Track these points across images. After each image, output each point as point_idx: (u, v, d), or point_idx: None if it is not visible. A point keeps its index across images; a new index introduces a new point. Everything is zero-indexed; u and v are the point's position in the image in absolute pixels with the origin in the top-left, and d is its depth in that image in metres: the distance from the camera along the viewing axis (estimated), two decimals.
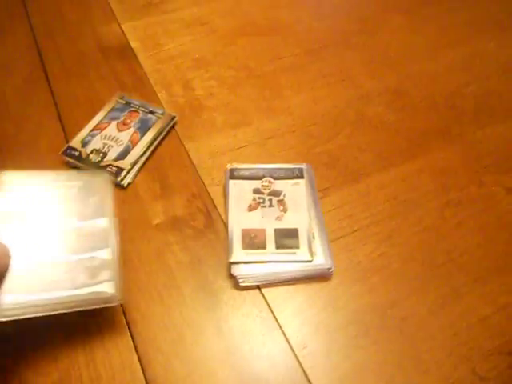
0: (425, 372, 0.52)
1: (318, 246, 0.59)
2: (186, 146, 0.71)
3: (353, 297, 0.57)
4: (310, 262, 0.57)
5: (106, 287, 0.48)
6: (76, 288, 0.47)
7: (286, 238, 0.58)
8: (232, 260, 0.57)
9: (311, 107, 0.78)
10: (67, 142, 0.69)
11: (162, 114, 0.73)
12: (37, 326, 0.54)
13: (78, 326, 0.54)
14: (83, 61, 0.83)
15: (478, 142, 0.75)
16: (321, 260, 0.57)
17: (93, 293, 0.47)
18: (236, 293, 0.57)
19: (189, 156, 0.70)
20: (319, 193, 0.66)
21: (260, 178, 0.64)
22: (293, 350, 0.53)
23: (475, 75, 0.85)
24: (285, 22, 0.93)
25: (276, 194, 0.63)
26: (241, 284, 0.56)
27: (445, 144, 0.74)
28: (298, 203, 0.62)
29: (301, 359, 0.53)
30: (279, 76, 0.82)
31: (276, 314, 0.56)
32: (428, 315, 0.56)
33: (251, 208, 0.61)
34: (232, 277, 0.57)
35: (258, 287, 0.58)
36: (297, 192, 0.63)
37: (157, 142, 0.70)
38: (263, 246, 0.58)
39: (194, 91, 0.79)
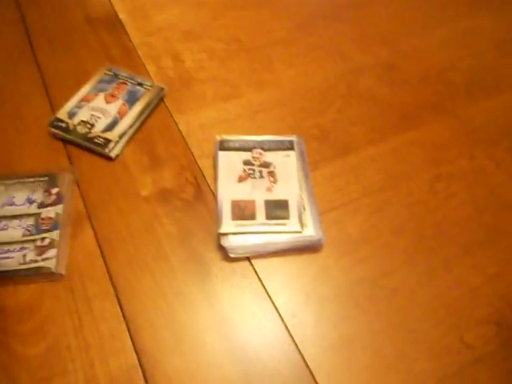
0: (413, 341, 0.52)
1: (309, 217, 0.58)
2: (176, 119, 0.70)
3: (343, 268, 0.57)
4: (300, 232, 0.57)
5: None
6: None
7: (276, 209, 0.58)
8: (221, 231, 0.56)
9: (302, 81, 0.77)
10: (54, 113, 0.68)
11: (150, 85, 0.71)
12: (22, 295, 0.53)
13: (65, 294, 0.53)
14: (70, 32, 0.81)
15: (469, 116, 0.74)
16: (311, 231, 0.57)
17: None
18: (226, 264, 0.57)
19: (178, 128, 0.69)
20: (310, 165, 0.65)
21: (250, 150, 0.64)
22: (282, 320, 0.53)
23: (469, 50, 0.84)
24: None
25: (266, 165, 0.62)
26: (230, 255, 0.56)
27: (437, 118, 0.73)
28: (289, 175, 0.61)
29: (290, 329, 0.53)
30: (270, 49, 0.81)
31: (266, 285, 0.55)
32: (418, 286, 0.56)
33: (241, 179, 0.60)
34: (222, 248, 0.57)
35: (248, 258, 0.57)
36: (287, 164, 0.62)
37: (145, 114, 0.69)
38: (253, 217, 0.57)
39: (183, 63, 0.78)
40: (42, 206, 0.59)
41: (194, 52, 0.80)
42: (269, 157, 0.63)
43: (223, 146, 0.64)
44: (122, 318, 0.52)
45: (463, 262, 0.59)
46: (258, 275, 0.56)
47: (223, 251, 0.57)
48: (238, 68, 0.78)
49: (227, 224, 0.57)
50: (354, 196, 0.63)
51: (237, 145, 0.64)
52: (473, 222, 0.62)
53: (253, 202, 0.59)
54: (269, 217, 0.57)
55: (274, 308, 0.54)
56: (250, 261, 0.57)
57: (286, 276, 0.56)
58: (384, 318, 0.54)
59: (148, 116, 0.69)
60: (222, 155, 0.63)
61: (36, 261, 0.55)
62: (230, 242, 0.56)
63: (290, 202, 0.59)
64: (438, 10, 0.91)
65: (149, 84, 0.72)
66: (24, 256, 0.55)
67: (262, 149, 0.64)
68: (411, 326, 0.53)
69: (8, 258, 0.55)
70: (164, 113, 0.71)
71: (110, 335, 0.51)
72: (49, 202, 0.59)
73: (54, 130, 0.65)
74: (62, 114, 0.67)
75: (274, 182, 0.60)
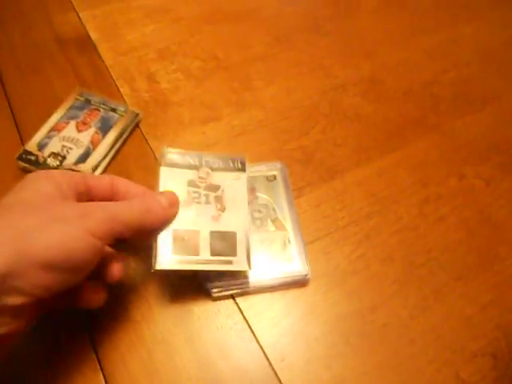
0: (407, 380, 0.50)
1: (295, 251, 0.56)
2: (152, 146, 0.67)
3: (331, 303, 0.55)
4: (247, 271, 0.53)
5: None
6: None
7: (223, 242, 0.50)
8: (157, 268, 0.47)
9: (283, 99, 0.74)
10: (23, 144, 0.64)
11: (124, 111, 0.68)
12: None
13: (45, 342, 0.50)
14: (38, 53, 0.77)
15: (456, 131, 0.72)
16: (298, 266, 0.54)
17: None
18: (208, 304, 0.54)
19: (155, 156, 0.65)
20: (294, 192, 0.62)
21: (197, 168, 0.54)
22: (270, 364, 0.50)
23: (453, 62, 0.82)
24: (253, 7, 0.88)
25: (213, 188, 0.54)
26: (213, 295, 0.53)
27: (422, 135, 0.71)
28: (238, 201, 0.53)
29: (279, 373, 0.50)
30: (248, 66, 0.78)
31: (252, 325, 0.53)
32: (409, 319, 0.54)
33: (185, 203, 0.51)
34: (202, 286, 0.54)
35: (232, 296, 0.54)
36: (237, 188, 0.54)
37: (120, 142, 0.65)
38: (196, 252, 0.49)
39: (158, 85, 0.74)
40: None
41: (170, 72, 0.76)
42: (216, 178, 0.54)
43: (167, 161, 0.54)
44: (100, 370, 0.49)
45: (455, 290, 0.57)
46: (243, 315, 0.53)
47: (205, 289, 0.54)
48: (215, 88, 0.75)
49: (166, 259, 0.48)
50: (340, 224, 0.61)
51: (183, 160, 0.54)
52: (463, 246, 0.60)
53: (197, 233, 0.50)
54: (214, 253, 0.49)
55: (261, 351, 0.51)
56: (234, 299, 0.54)
57: (272, 315, 0.54)
58: (376, 356, 0.51)
59: (123, 144, 0.66)
60: (165, 172, 0.53)
61: None
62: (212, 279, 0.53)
63: (238, 235, 0.51)
64: (421, 20, 0.89)
65: (123, 109, 0.68)
66: None
67: (211, 168, 0.55)
68: (404, 365, 0.51)
69: None
70: (139, 140, 0.67)
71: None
72: None
73: (22, 163, 0.62)
74: (32, 145, 0.63)
75: (222, 209, 0.52)
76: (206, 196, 0.53)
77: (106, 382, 0.48)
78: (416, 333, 0.53)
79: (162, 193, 0.50)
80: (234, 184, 0.54)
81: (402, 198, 0.64)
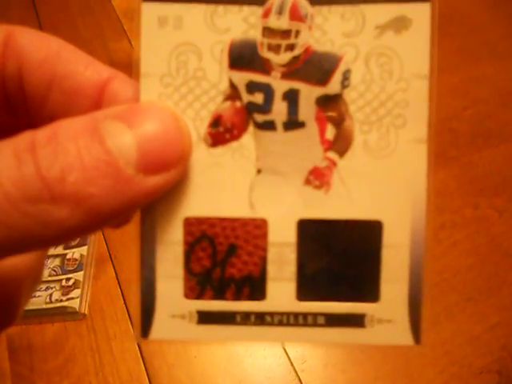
0: None
1: None
2: None
3: None
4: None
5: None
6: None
7: (338, 257, 0.19)
8: (153, 336, 0.18)
9: None
10: None
11: None
12: (48, 333, 0.57)
13: (88, 334, 0.56)
14: None
15: (473, 164, 0.78)
16: None
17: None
18: None
19: None
20: None
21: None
22: (292, 364, 0.56)
23: (473, 100, 0.88)
24: None
25: (314, 73, 0.19)
26: None
27: (441, 166, 0.77)
28: (398, 114, 0.18)
29: (299, 373, 0.55)
30: None
31: None
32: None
33: (215, 138, 0.20)
34: None
35: None
36: (395, 63, 0.18)
37: None
38: (255, 293, 0.20)
39: None
40: (67, 247, 0.63)
41: None
42: (331, 32, 0.17)
43: None
44: (141, 359, 0.55)
45: (465, 310, 0.61)
46: None
47: None
48: None
49: (165, 315, 0.17)
50: None
51: None
52: (474, 271, 0.65)
53: (257, 229, 0.17)
54: (308, 290, 0.18)
55: (284, 352, 0.57)
56: None
57: None
58: (389, 364, 0.56)
59: None
60: (151, 12, 0.17)
61: (61, 300, 0.58)
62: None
63: (386, 236, 0.18)
64: (445, 58, 0.95)
65: None
66: (50, 295, 0.58)
67: None
68: (414, 375, 0.56)
69: (34, 296, 0.59)
70: None
71: (128, 375, 0.54)
72: (74, 243, 0.63)
73: None
74: None
75: (341, 147, 0.17)
76: (292, 104, 0.17)
77: (146, 370, 0.55)
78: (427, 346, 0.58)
79: (129, 112, 0.15)
80: (384, 51, 0.17)
81: None
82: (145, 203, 0.15)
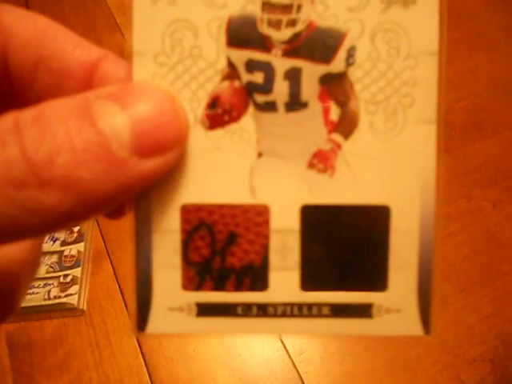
0: (412, 378, 0.56)
1: None
2: None
3: None
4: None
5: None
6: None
7: (344, 248, 0.20)
8: (150, 330, 0.17)
9: None
10: None
11: None
12: (47, 329, 0.57)
13: (87, 329, 0.57)
14: None
15: (468, 156, 0.78)
16: None
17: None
18: None
19: None
20: None
21: None
22: (289, 356, 0.57)
23: (467, 91, 0.88)
24: None
25: (318, 49, 0.18)
26: None
27: None
28: (404, 95, 0.17)
29: (297, 364, 0.56)
30: None
31: None
32: None
33: (214, 120, 0.18)
34: None
35: None
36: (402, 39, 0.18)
37: None
38: (257, 282, 0.19)
39: None
40: (64, 243, 0.63)
41: None
42: (334, 7, 0.16)
43: None
44: (140, 354, 0.56)
45: (459, 300, 0.62)
46: None
47: None
48: None
49: (163, 307, 0.17)
50: None
51: None
52: (468, 262, 0.66)
53: (258, 215, 0.17)
54: (310, 280, 0.17)
55: (281, 345, 0.58)
56: None
57: None
58: (384, 355, 0.57)
59: None
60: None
61: (59, 297, 0.59)
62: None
63: (394, 221, 0.17)
64: None
65: None
66: (48, 292, 0.59)
67: None
68: (410, 364, 0.57)
69: (33, 293, 0.59)
70: None
71: (128, 370, 0.55)
72: (71, 240, 0.63)
73: None
74: None
75: (346, 128, 0.17)
76: (294, 84, 0.16)
77: (145, 365, 0.55)
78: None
79: (119, 94, 0.14)
80: (391, 27, 0.16)
81: None
82: (139, 189, 0.14)
